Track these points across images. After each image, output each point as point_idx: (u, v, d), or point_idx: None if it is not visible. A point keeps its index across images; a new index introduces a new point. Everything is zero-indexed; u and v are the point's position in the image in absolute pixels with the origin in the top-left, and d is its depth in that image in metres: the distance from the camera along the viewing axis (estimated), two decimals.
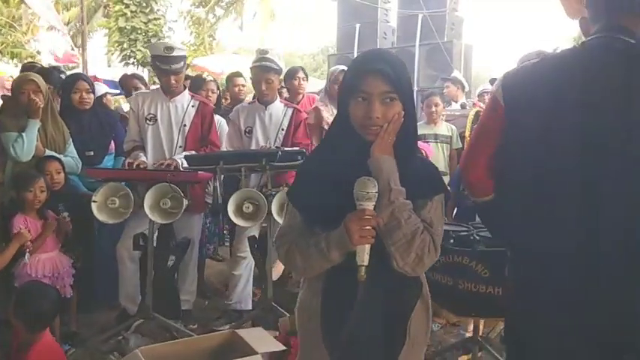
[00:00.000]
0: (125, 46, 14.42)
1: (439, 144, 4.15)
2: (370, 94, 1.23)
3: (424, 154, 3.55)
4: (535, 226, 1.36)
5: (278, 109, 3.17)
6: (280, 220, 2.77)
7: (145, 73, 12.21)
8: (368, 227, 1.19)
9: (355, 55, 7.79)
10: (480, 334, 2.59)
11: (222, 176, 2.82)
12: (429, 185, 1.30)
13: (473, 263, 2.31)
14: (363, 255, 1.20)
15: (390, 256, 1.23)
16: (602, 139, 1.24)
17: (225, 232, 4.27)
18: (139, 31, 14.38)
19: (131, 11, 14.28)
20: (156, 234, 2.89)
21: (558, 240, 1.31)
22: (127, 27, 14.25)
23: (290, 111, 3.16)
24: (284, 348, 2.14)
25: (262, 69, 3.02)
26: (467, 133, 4.10)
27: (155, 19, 14.77)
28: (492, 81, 4.15)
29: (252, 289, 3.26)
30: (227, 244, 4.31)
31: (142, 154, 3.00)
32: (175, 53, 2.95)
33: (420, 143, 3.71)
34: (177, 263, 3.02)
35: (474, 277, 2.31)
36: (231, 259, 3.26)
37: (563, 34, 17.82)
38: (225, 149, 3.18)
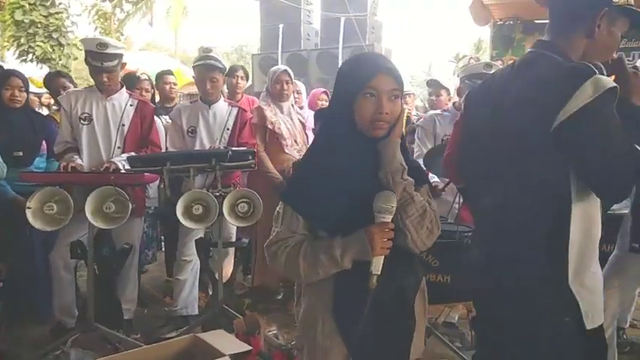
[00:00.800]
0: (22, 41, 13.22)
1: None
2: (380, 91, 1.27)
3: None
4: (473, 206, 1.59)
5: (222, 108, 3.12)
6: (232, 221, 2.75)
7: (43, 70, 11.29)
8: (388, 239, 1.24)
9: (280, 55, 7.85)
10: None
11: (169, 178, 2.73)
12: (418, 176, 1.37)
13: (424, 254, 2.47)
14: (379, 265, 1.24)
15: (402, 233, 1.28)
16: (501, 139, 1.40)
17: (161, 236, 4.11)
18: (39, 25, 13.26)
19: (29, 3, 13.13)
20: None
21: (482, 221, 1.53)
22: (25, 20, 13.08)
23: (235, 110, 3.13)
24: (250, 348, 2.13)
25: (207, 67, 2.96)
26: None
27: (57, 12, 13.69)
28: (430, 82, 4.38)
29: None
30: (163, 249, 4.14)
31: (76, 156, 2.81)
32: (109, 50, 2.80)
33: None
34: (118, 271, 2.87)
35: (425, 268, 2.48)
36: (175, 263, 3.15)
37: (468, 39, 19.14)
38: (166, 150, 3.07)
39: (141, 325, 3.13)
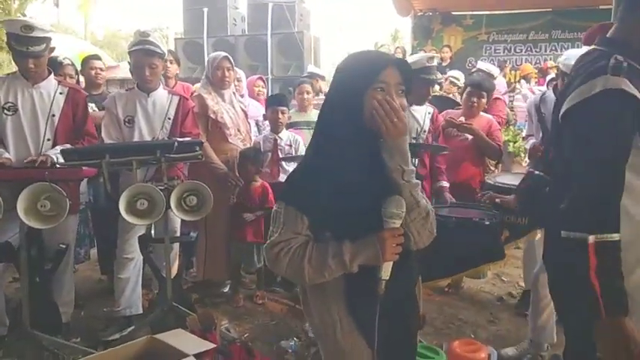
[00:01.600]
0: None
1: (311, 131, 4.29)
2: (389, 85, 1.25)
3: (301, 141, 3.71)
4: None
5: (162, 96, 2.95)
6: (181, 215, 2.64)
7: None
8: (398, 245, 1.23)
9: (205, 41, 7.59)
10: None
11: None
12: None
13: None
14: (388, 270, 1.23)
15: (406, 236, 1.26)
16: None
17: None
18: None
19: None
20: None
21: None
22: None
23: (176, 99, 2.97)
24: (214, 345, 2.07)
25: (145, 53, 2.78)
26: None
27: None
28: None
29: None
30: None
31: (2, 149, 2.55)
32: (35, 33, 2.54)
33: (293, 131, 3.83)
34: (53, 272, 2.66)
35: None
36: (115, 261, 2.97)
37: (386, 29, 19.60)
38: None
39: (80, 329, 2.94)
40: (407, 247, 1.28)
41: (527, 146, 3.66)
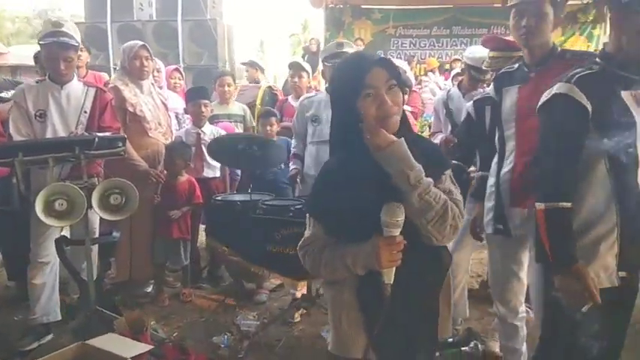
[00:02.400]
0: None
1: (233, 123, 4.25)
2: (377, 87, 1.24)
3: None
4: None
5: (77, 88, 2.76)
6: (106, 215, 2.52)
7: None
8: (396, 252, 1.22)
9: (109, 26, 7.13)
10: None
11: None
12: (437, 164, 1.33)
13: None
14: (391, 275, 1.24)
15: (426, 237, 1.26)
16: None
17: None
18: None
19: None
20: None
21: None
22: None
23: (92, 91, 2.79)
24: (151, 347, 2.02)
25: (60, 46, 2.56)
26: (258, 102, 4.54)
27: None
28: (291, 64, 4.45)
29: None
30: None
31: None
32: None
33: (215, 124, 3.78)
34: None
35: None
36: (29, 266, 2.75)
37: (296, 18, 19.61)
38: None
39: None
40: (414, 252, 1.25)
41: (437, 140, 3.79)
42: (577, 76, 1.53)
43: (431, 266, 1.34)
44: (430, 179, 1.24)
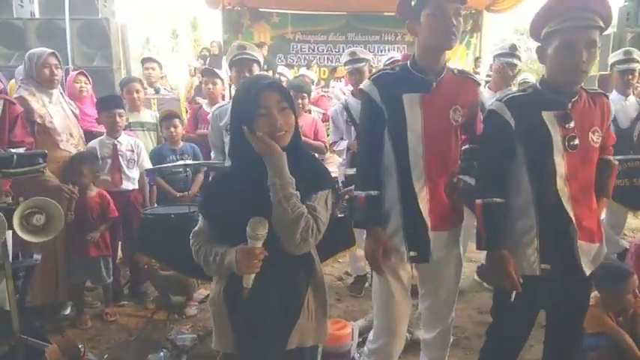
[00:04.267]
0: None
1: (146, 132, 4.10)
2: (268, 108, 1.43)
3: (142, 146, 3.55)
4: None
5: None
6: (28, 237, 2.34)
7: None
8: (255, 261, 1.39)
9: None
10: None
11: None
12: (316, 183, 1.51)
13: None
14: (249, 281, 1.42)
15: (283, 245, 1.43)
16: None
17: None
18: None
19: None
20: None
21: None
22: None
23: (0, 103, 2.57)
24: None
25: None
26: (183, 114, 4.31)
27: None
28: (205, 71, 4.36)
29: None
30: None
31: None
32: None
33: (127, 133, 3.63)
34: None
35: None
36: None
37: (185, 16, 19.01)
38: None
39: None
40: (276, 262, 1.43)
41: (338, 148, 3.78)
42: (508, 96, 1.83)
43: (291, 275, 1.51)
44: (296, 192, 1.41)
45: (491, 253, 1.83)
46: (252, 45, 3.15)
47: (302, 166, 1.49)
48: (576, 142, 1.74)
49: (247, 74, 2.84)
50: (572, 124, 1.74)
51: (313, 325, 1.56)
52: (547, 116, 1.75)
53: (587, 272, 1.79)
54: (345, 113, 3.66)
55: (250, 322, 1.48)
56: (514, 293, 1.78)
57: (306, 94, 3.78)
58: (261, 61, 3.01)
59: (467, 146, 2.11)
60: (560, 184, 1.74)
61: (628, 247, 3.55)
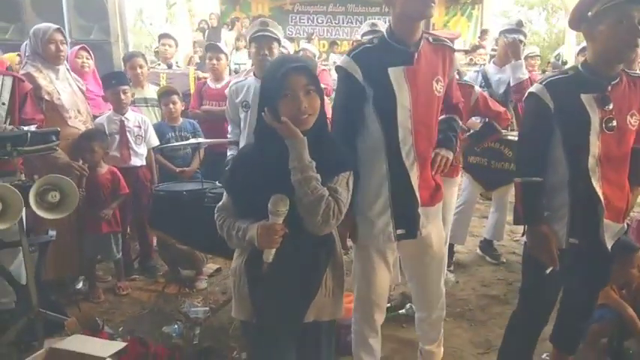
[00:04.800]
0: None
1: (150, 107, 4.09)
2: (294, 90, 1.44)
3: (149, 122, 3.55)
4: None
5: None
6: (44, 214, 2.38)
7: None
8: (275, 237, 1.44)
9: None
10: None
11: None
12: (334, 166, 1.54)
13: (499, 145, 3.42)
14: (269, 256, 1.47)
15: (306, 226, 1.48)
16: None
17: None
18: None
19: None
20: None
21: None
22: None
23: (9, 80, 2.55)
24: (124, 344, 2.01)
25: None
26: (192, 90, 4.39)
27: None
28: (209, 46, 4.32)
29: None
30: None
31: None
32: None
33: (132, 109, 3.62)
34: None
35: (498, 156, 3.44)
36: None
37: None
38: None
39: None
40: (296, 239, 1.48)
41: None
42: (548, 79, 1.87)
43: (312, 253, 1.55)
44: (316, 175, 1.45)
45: (531, 229, 1.90)
46: (274, 22, 3.16)
47: (325, 149, 1.52)
48: (614, 123, 1.78)
49: (267, 52, 2.86)
50: (610, 107, 1.78)
51: (330, 301, 1.62)
52: (586, 99, 1.78)
53: (609, 248, 1.87)
54: None
55: (269, 295, 1.53)
56: (550, 268, 1.86)
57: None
58: (282, 39, 3.00)
59: (443, 117, 2.07)
60: (592, 163, 1.79)
61: (629, 222, 3.63)
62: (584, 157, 1.80)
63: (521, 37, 3.51)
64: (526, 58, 6.28)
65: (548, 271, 1.87)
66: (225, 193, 1.61)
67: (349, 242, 2.07)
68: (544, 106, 1.82)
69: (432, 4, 1.77)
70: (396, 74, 1.81)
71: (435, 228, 2.05)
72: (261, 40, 2.85)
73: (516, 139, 3.37)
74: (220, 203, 1.61)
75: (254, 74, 3.04)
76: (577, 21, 1.81)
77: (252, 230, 1.46)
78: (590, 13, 1.75)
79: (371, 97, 1.83)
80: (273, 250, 1.47)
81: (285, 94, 1.45)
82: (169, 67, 5.18)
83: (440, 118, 2.02)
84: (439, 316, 2.26)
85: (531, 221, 1.91)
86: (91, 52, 4.01)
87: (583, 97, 1.79)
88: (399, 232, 1.91)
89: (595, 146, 1.79)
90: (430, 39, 1.93)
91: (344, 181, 1.54)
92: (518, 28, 3.54)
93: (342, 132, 1.89)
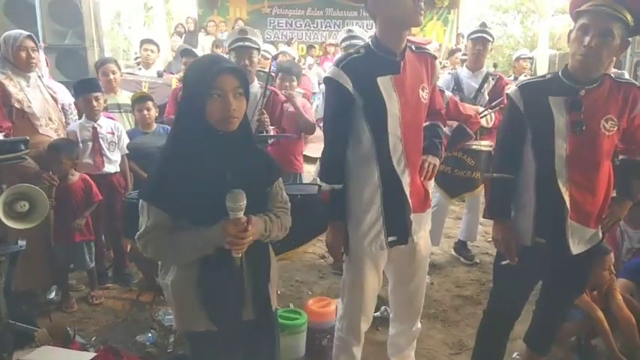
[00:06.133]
0: None
1: (123, 113, 4.05)
2: (224, 90, 1.41)
3: (122, 128, 3.51)
4: None
5: None
6: (12, 224, 2.36)
7: None
8: (243, 234, 1.41)
9: None
10: None
11: None
12: (267, 174, 1.59)
13: (460, 154, 3.53)
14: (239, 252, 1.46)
15: None
16: None
17: None
18: None
19: None
20: None
21: None
22: None
23: None
24: (94, 354, 1.99)
25: None
26: None
27: None
28: (184, 52, 4.27)
29: None
30: None
31: None
32: None
33: (105, 115, 3.58)
34: None
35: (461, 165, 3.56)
36: None
37: None
38: None
39: None
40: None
41: None
42: (522, 82, 1.97)
43: (258, 245, 1.57)
44: (266, 218, 1.55)
45: (495, 222, 2.01)
46: (253, 30, 3.17)
47: (254, 155, 1.56)
48: (582, 127, 1.81)
49: (247, 62, 2.90)
50: (580, 110, 1.81)
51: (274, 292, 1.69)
52: (554, 101, 1.84)
53: (574, 251, 1.90)
54: None
55: (224, 297, 1.53)
56: (507, 261, 1.96)
57: (295, 77, 3.75)
58: (261, 46, 3.03)
59: (427, 123, 2.09)
60: (558, 164, 1.84)
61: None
62: (551, 158, 1.84)
63: (486, 36, 3.60)
64: (517, 59, 6.44)
65: (503, 263, 1.97)
66: (148, 215, 1.46)
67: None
68: (515, 107, 1.91)
69: (422, 12, 1.78)
70: (384, 83, 1.82)
71: (424, 234, 2.09)
72: (242, 52, 2.89)
73: (479, 148, 3.51)
74: (147, 227, 1.46)
75: None
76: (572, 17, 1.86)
77: (216, 231, 1.42)
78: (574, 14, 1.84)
79: (361, 107, 1.83)
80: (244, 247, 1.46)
81: (213, 94, 1.41)
82: (159, 75, 5.05)
83: (424, 125, 2.05)
84: (417, 329, 2.29)
85: (496, 215, 2.01)
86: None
87: (551, 99, 1.84)
88: (391, 239, 1.93)
89: (561, 148, 1.83)
90: (413, 47, 1.96)
91: (278, 187, 1.64)
92: (482, 28, 3.64)
93: (333, 144, 1.93)
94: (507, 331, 2.19)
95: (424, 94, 1.93)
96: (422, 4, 1.77)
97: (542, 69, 7.78)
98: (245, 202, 1.40)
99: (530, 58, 6.50)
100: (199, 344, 1.62)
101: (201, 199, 1.41)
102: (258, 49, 2.96)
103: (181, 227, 1.47)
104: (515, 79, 5.68)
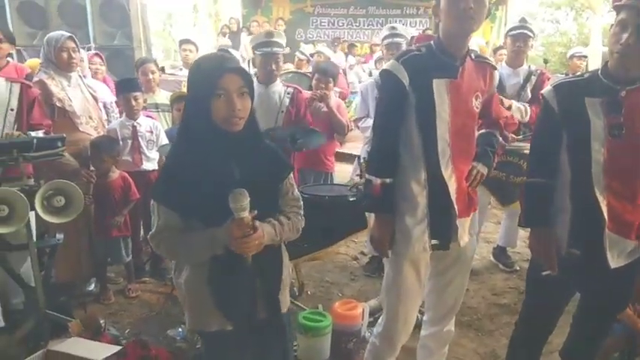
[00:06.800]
0: None
1: (160, 113, 4.14)
2: (228, 90, 1.40)
3: (161, 127, 3.59)
4: None
5: (0, 85, 2.59)
6: (50, 218, 2.44)
7: None
8: (250, 234, 1.39)
9: (7, 3, 6.47)
10: None
11: None
12: (276, 171, 1.58)
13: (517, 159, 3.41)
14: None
15: None
16: None
17: None
18: None
19: None
20: None
21: None
22: None
23: (17, 87, 2.62)
24: (120, 347, 2.04)
25: None
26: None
27: None
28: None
29: None
30: None
31: None
32: None
33: (143, 114, 3.67)
34: None
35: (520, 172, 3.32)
36: None
37: None
38: None
39: None
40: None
41: (363, 125, 3.69)
42: (558, 82, 1.83)
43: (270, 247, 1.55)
44: (274, 224, 1.52)
45: (533, 230, 1.87)
46: (279, 32, 3.21)
47: (262, 154, 1.54)
48: (622, 130, 1.67)
49: (274, 66, 3.02)
50: (620, 112, 1.67)
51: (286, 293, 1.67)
52: (590, 103, 1.71)
53: (612, 265, 1.74)
54: (375, 90, 3.58)
55: (238, 296, 1.52)
56: (548, 271, 1.81)
57: (331, 79, 3.71)
58: (284, 45, 3.12)
59: (482, 131, 2.07)
60: (595, 170, 1.70)
61: None
62: (587, 164, 1.72)
63: (527, 32, 3.45)
64: (571, 57, 6.20)
65: (544, 274, 1.82)
66: (159, 215, 1.47)
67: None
68: (549, 108, 1.79)
69: (472, 20, 1.72)
70: (439, 86, 1.80)
71: (471, 238, 2.04)
72: (268, 56, 2.99)
73: None
74: (158, 226, 1.48)
75: (257, 78, 3.14)
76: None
77: (218, 233, 1.41)
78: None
79: (413, 105, 1.82)
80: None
81: (218, 94, 1.40)
82: None
83: (479, 133, 2.03)
84: (450, 332, 2.22)
85: (532, 222, 1.88)
86: (103, 59, 4.10)
87: (587, 100, 1.72)
88: (433, 242, 1.90)
89: (598, 153, 1.69)
90: (473, 55, 1.92)
91: (289, 183, 1.62)
92: (521, 24, 3.49)
93: (385, 137, 1.90)
94: (541, 344, 2.07)
95: (477, 103, 1.89)
96: (472, 12, 1.71)
97: (594, 67, 7.38)
98: (247, 201, 1.38)
99: (585, 56, 6.19)
100: (212, 344, 1.63)
101: (210, 198, 1.40)
102: (283, 52, 3.09)
103: (193, 227, 1.47)
104: None
